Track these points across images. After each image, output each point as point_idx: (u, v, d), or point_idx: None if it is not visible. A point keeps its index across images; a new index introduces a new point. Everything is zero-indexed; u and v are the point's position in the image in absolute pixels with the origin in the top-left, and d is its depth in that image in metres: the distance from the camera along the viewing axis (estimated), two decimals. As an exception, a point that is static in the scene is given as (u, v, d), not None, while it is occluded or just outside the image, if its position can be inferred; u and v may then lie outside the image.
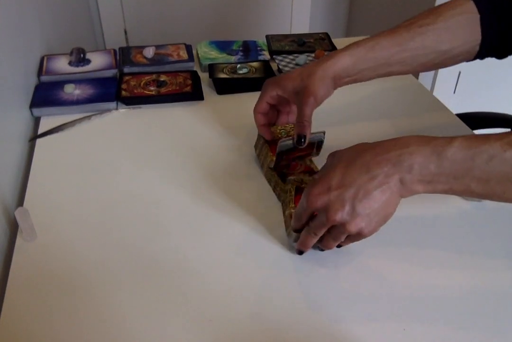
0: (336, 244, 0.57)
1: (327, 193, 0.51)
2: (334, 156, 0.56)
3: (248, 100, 0.98)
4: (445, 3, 0.71)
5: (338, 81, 0.71)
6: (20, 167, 0.81)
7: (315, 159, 0.73)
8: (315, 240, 0.57)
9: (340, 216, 0.51)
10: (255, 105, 0.76)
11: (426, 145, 0.50)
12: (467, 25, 0.69)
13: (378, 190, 0.51)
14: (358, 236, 0.54)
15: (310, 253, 0.63)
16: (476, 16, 0.68)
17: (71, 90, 0.95)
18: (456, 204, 0.71)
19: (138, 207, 0.71)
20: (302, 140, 0.67)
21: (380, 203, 0.51)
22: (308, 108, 0.68)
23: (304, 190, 0.55)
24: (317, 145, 0.71)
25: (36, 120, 0.92)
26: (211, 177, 0.77)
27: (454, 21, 0.69)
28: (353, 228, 0.52)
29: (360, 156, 0.52)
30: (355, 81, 0.72)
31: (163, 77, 1.00)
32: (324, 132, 0.70)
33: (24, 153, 0.85)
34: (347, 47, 0.70)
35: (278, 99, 0.74)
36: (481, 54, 0.71)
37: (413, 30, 0.69)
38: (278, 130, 0.75)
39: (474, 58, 0.73)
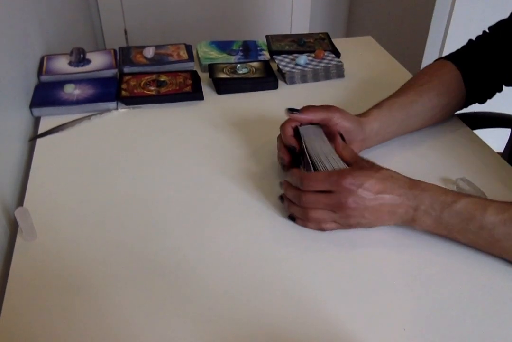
0: (323, 223, 0.65)
1: (356, 188, 0.60)
2: (381, 168, 0.64)
3: (248, 100, 0.98)
4: (430, 65, 0.86)
5: (369, 130, 0.76)
6: (20, 167, 0.81)
7: None
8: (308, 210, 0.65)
9: (352, 207, 0.61)
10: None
11: (438, 197, 0.60)
12: (455, 81, 0.83)
13: (388, 210, 0.62)
14: (347, 225, 0.64)
15: (310, 253, 0.63)
16: (458, 73, 0.83)
17: (71, 90, 0.95)
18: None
19: (138, 207, 0.71)
20: None
21: (381, 217, 0.63)
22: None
23: (342, 170, 0.64)
24: None
25: (36, 120, 0.92)
26: (211, 177, 0.77)
27: (445, 78, 0.83)
28: (352, 221, 0.63)
29: (391, 184, 0.61)
30: (384, 135, 0.80)
31: (163, 77, 1.00)
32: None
33: (24, 153, 0.85)
34: (374, 108, 0.78)
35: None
36: (468, 102, 0.86)
37: (418, 89, 0.81)
38: None
39: (463, 107, 0.87)
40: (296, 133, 0.72)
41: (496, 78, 0.84)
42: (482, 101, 0.87)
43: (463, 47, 0.88)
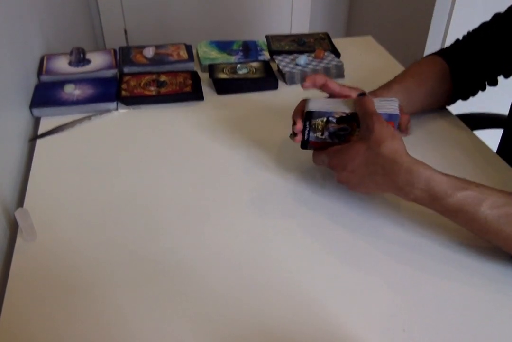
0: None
1: (341, 171, 0.66)
2: (371, 148, 0.63)
3: (248, 101, 0.98)
4: (423, 60, 0.90)
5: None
6: (20, 168, 0.81)
7: None
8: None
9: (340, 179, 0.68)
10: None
11: (429, 190, 0.59)
12: (445, 73, 0.86)
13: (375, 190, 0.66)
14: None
15: (310, 253, 0.63)
16: (447, 67, 0.86)
17: (71, 90, 0.95)
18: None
19: (138, 207, 0.71)
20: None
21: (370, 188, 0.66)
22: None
23: (329, 151, 0.68)
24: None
25: (36, 121, 0.92)
26: (210, 177, 0.77)
27: (437, 70, 0.86)
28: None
29: (382, 166, 0.62)
30: None
31: (163, 77, 1.00)
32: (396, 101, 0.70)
33: (24, 154, 0.85)
34: (380, 89, 0.82)
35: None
36: (453, 98, 0.89)
37: (415, 78, 0.85)
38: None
39: (449, 102, 0.91)
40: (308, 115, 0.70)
41: (480, 76, 0.86)
42: (465, 97, 0.89)
43: (451, 45, 0.91)
